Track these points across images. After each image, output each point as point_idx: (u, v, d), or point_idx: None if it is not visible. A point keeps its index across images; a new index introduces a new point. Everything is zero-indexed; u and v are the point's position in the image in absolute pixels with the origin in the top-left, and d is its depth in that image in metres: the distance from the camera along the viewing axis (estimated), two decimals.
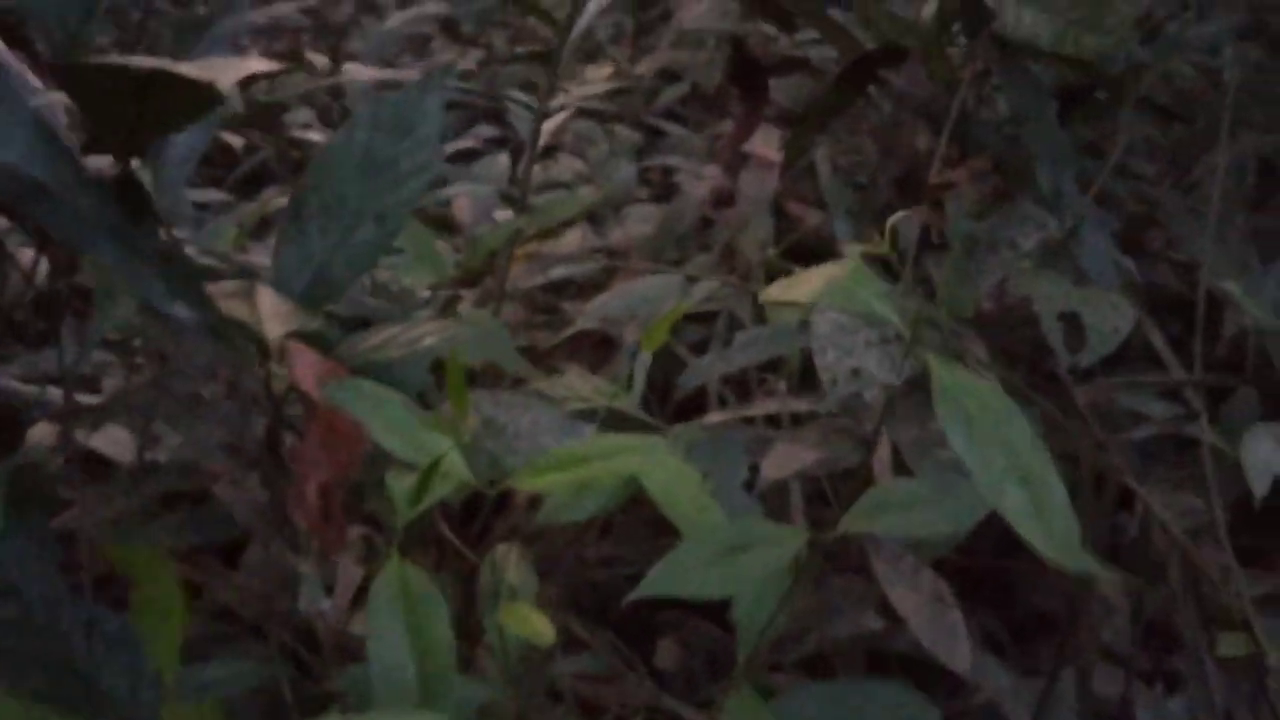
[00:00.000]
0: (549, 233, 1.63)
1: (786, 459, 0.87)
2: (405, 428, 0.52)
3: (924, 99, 0.89)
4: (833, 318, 0.72)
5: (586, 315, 1.10)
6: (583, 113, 1.83)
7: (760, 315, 1.07)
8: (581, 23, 1.03)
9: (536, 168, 1.78)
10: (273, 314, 0.57)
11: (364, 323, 0.71)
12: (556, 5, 0.99)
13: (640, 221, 1.62)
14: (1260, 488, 0.80)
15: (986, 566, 0.97)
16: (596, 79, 1.65)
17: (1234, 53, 1.06)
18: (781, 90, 1.35)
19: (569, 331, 1.11)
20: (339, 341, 0.65)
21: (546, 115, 0.99)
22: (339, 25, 3.05)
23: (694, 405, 0.96)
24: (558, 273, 1.36)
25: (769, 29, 1.27)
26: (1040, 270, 0.73)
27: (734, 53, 1.26)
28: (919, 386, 0.96)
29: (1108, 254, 0.73)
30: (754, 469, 0.86)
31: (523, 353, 1.25)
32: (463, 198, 1.20)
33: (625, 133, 1.88)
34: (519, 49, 2.19)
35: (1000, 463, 0.44)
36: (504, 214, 1.43)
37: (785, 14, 1.11)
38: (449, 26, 2.36)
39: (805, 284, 0.52)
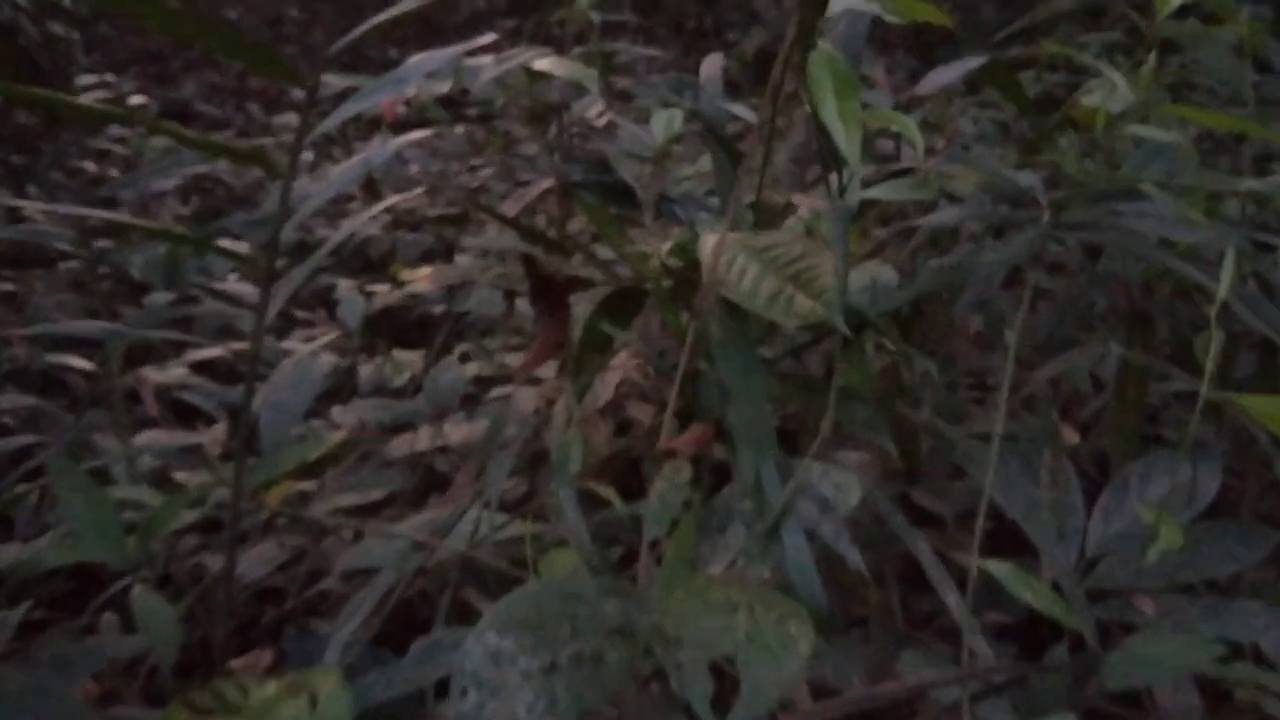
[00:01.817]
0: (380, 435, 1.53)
1: None
2: None
3: (653, 352, 0.80)
4: (491, 641, 0.61)
5: (337, 568, 0.99)
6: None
7: None
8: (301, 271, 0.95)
9: (369, 366, 1.69)
10: None
11: None
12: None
13: (485, 419, 1.55)
14: None
15: None
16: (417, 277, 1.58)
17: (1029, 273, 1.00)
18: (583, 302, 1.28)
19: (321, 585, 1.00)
20: None
21: (257, 356, 0.89)
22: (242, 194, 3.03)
23: None
24: (349, 499, 1.26)
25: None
26: (728, 581, 0.62)
27: (528, 270, 1.20)
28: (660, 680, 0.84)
29: (809, 561, 0.63)
30: None
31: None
32: (219, 426, 1.10)
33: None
34: None
35: None
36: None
37: (554, 243, 1.05)
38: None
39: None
